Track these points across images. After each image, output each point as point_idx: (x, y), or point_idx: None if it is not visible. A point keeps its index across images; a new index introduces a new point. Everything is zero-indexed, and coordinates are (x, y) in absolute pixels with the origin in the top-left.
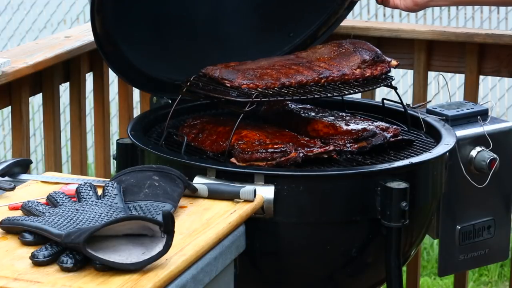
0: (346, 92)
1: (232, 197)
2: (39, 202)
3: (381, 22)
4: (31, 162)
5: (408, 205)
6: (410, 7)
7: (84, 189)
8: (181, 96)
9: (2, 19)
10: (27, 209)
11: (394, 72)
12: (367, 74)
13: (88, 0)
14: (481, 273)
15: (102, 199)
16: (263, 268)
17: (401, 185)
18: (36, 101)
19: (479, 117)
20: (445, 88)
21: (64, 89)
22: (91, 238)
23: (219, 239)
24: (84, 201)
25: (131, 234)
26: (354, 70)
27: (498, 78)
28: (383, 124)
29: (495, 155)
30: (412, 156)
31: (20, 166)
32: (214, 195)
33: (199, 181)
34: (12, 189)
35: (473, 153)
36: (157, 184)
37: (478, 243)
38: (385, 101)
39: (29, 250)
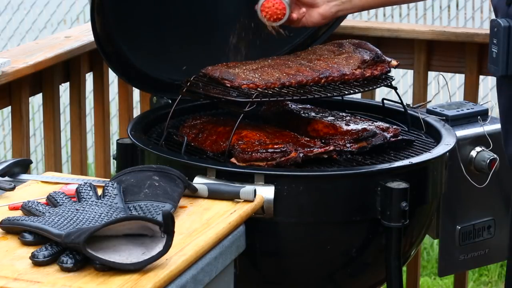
0: (346, 92)
1: (232, 197)
2: (39, 202)
3: (381, 22)
4: (31, 162)
5: (408, 205)
6: (317, 22)
7: (84, 189)
8: (181, 96)
9: (2, 19)
10: (27, 209)
11: (394, 72)
12: (367, 74)
13: (88, 0)
14: (481, 273)
15: (102, 199)
16: (263, 268)
17: (401, 185)
18: (36, 101)
19: (479, 117)
20: (445, 88)
21: (64, 89)
22: (91, 238)
23: (219, 239)
24: (84, 201)
25: (131, 234)
26: (354, 70)
27: None
28: (383, 124)
29: (495, 155)
30: (412, 156)
31: (20, 166)
32: (214, 195)
33: (199, 181)
34: (12, 189)
35: (473, 153)
36: (157, 184)
37: (478, 243)
38: (385, 101)
39: (29, 250)
